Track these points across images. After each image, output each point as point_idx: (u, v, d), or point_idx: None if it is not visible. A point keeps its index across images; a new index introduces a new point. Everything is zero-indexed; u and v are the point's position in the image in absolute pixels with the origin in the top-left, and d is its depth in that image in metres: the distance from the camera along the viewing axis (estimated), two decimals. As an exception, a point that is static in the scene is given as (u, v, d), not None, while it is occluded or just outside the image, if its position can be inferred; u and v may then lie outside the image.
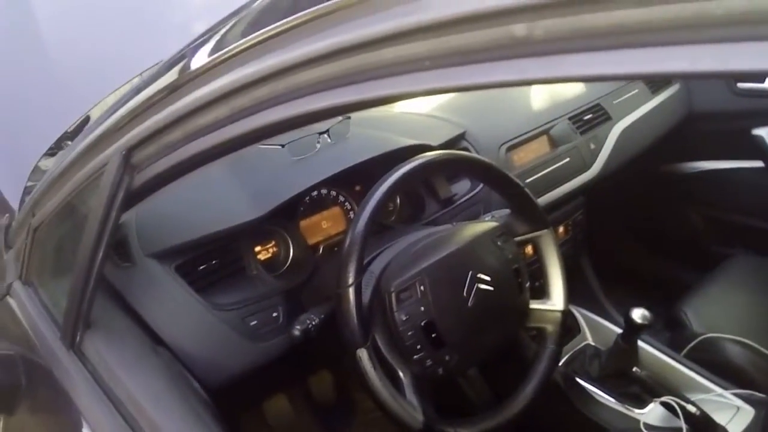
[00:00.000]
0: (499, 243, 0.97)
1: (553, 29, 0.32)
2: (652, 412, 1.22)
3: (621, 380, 1.27)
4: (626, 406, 1.25)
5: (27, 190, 1.15)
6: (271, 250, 1.09)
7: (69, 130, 1.46)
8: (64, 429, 0.78)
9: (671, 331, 1.40)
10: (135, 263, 0.91)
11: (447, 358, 0.88)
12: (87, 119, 1.36)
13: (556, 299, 1.03)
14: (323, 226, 1.18)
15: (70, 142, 1.38)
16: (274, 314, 0.99)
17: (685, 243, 1.88)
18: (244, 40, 0.52)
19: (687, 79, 1.67)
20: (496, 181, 1.01)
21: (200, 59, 0.59)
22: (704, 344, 1.30)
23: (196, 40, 0.65)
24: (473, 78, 0.38)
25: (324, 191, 1.17)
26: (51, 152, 1.40)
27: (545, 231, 1.03)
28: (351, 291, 0.81)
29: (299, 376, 1.51)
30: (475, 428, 0.89)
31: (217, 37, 0.60)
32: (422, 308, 0.87)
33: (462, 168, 1.05)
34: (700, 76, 0.29)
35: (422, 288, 0.87)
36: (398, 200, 1.26)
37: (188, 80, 0.59)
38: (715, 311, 1.39)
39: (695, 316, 1.38)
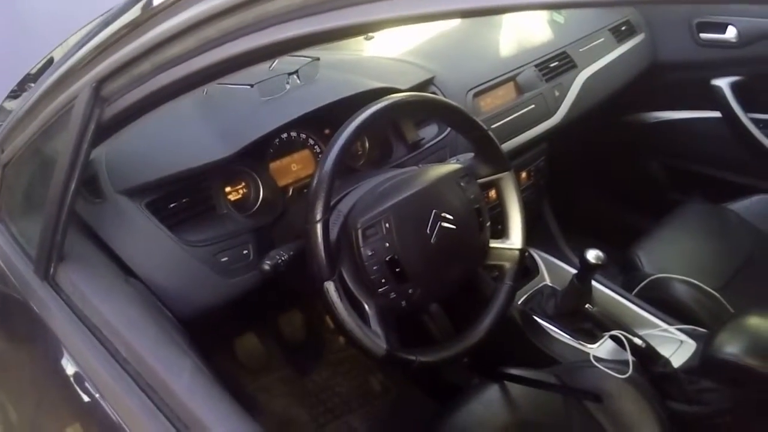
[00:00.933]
0: (462, 184, 1.01)
1: None
2: (602, 347, 1.30)
3: (574, 318, 1.35)
4: (578, 341, 1.34)
5: None
6: (241, 191, 1.11)
7: (32, 72, 1.43)
8: (38, 354, 0.81)
9: (625, 274, 1.48)
10: (106, 199, 0.92)
11: (410, 291, 0.93)
12: (51, 60, 1.34)
13: (515, 238, 1.08)
14: (293, 168, 1.20)
15: (32, 84, 1.37)
16: (245, 251, 1.02)
17: (642, 190, 1.96)
18: None
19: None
20: (461, 124, 1.04)
21: None
22: (654, 284, 1.38)
23: None
24: (440, 6, 0.40)
25: (293, 134, 1.19)
26: (14, 94, 1.38)
27: (506, 173, 1.07)
28: (319, 227, 0.84)
29: (269, 315, 1.56)
30: (436, 356, 0.95)
31: None
32: (387, 244, 0.91)
33: (427, 110, 1.07)
34: None
35: (387, 225, 0.91)
36: (366, 143, 1.29)
37: (157, 12, 0.60)
38: (665, 254, 1.47)
39: (647, 259, 1.46)
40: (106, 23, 0.70)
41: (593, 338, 1.33)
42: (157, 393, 0.63)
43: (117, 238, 0.89)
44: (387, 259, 0.91)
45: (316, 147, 1.23)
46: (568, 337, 1.34)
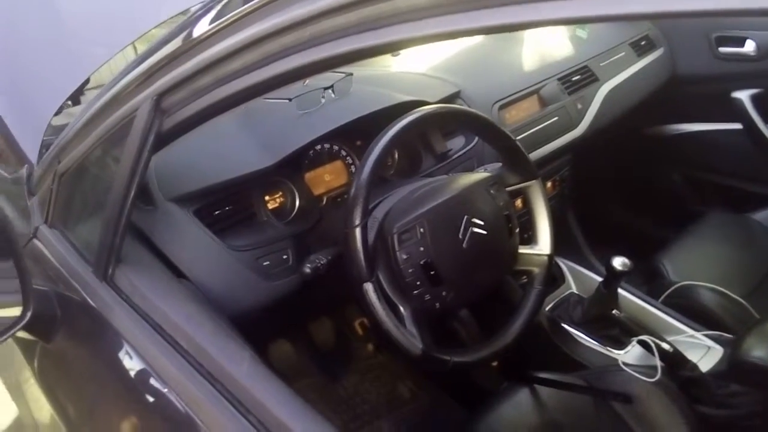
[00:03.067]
0: (491, 191, 1.05)
1: None
2: (630, 353, 1.32)
3: (601, 324, 1.37)
4: (606, 347, 1.36)
5: (44, 144, 1.21)
6: (278, 200, 1.16)
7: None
8: (101, 350, 0.86)
9: (650, 282, 1.51)
10: (157, 206, 0.98)
11: (443, 293, 0.97)
12: (86, 81, 1.41)
13: (543, 244, 1.12)
14: (326, 178, 1.25)
15: (70, 102, 1.44)
16: (284, 256, 1.07)
17: (664, 201, 1.98)
18: None
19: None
20: (489, 134, 1.08)
21: (227, 11, 0.65)
22: (679, 291, 1.41)
23: None
24: (480, 21, 0.45)
25: (327, 145, 1.24)
26: (60, 112, 1.46)
27: (534, 181, 1.11)
28: (358, 231, 0.89)
29: (302, 323, 1.60)
30: (468, 357, 0.98)
31: None
32: (422, 248, 0.95)
33: (457, 121, 1.12)
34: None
35: (422, 230, 0.95)
36: (396, 155, 1.33)
37: (218, 29, 0.65)
38: (690, 262, 1.50)
39: (672, 267, 1.48)
40: (166, 40, 0.76)
41: (620, 344, 1.35)
42: (220, 381, 0.67)
43: (168, 243, 0.95)
44: (422, 262, 0.95)
45: (348, 158, 1.28)
46: (595, 343, 1.36)
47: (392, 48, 0.56)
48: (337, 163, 1.27)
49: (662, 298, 1.43)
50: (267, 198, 1.13)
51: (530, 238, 1.13)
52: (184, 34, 0.73)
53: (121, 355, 0.79)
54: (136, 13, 1.38)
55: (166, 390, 0.72)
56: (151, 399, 0.76)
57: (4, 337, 0.78)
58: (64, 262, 0.95)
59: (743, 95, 1.75)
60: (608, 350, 1.35)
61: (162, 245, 0.94)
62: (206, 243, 0.98)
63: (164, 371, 0.73)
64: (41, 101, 1.23)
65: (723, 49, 1.76)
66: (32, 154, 1.20)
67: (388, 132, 0.95)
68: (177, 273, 0.94)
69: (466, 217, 0.99)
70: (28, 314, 0.79)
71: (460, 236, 0.98)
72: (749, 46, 1.71)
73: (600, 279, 1.34)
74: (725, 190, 1.85)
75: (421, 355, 0.92)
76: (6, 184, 1.23)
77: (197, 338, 0.72)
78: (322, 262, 0.99)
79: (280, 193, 1.16)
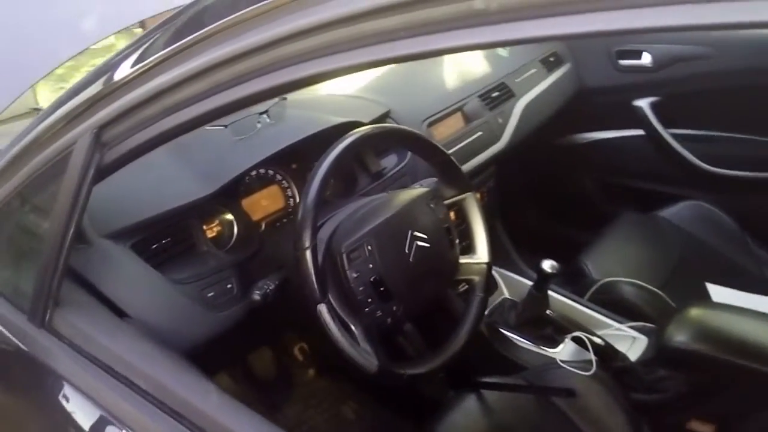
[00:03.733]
0: (431, 205, 1.09)
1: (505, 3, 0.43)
2: (564, 350, 1.40)
3: (535, 325, 1.44)
4: (541, 347, 1.43)
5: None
6: (216, 229, 1.14)
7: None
8: (44, 402, 0.80)
9: (575, 281, 1.60)
10: (91, 244, 0.94)
11: (394, 308, 0.99)
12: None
13: (481, 253, 1.17)
14: (263, 203, 1.24)
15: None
16: (228, 285, 1.05)
17: (580, 205, 2.11)
18: (224, 20, 0.59)
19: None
20: (425, 151, 1.12)
21: (175, 40, 0.65)
22: (603, 288, 1.50)
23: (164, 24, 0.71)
24: (439, 44, 0.48)
25: (262, 170, 1.24)
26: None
27: (469, 193, 1.16)
28: (308, 253, 0.90)
29: (241, 354, 1.57)
30: (421, 368, 1.00)
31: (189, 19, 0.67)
32: (371, 265, 0.97)
33: (394, 139, 1.15)
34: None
35: (369, 248, 0.97)
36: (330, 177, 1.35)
37: (166, 58, 0.65)
38: (609, 260, 1.60)
39: (593, 266, 1.58)
40: (103, 71, 0.74)
41: (554, 343, 1.42)
42: (188, 418, 0.65)
43: (107, 281, 0.91)
44: (372, 279, 0.97)
45: (284, 182, 1.28)
46: (532, 344, 1.43)
47: (341, 74, 0.58)
48: (273, 188, 1.27)
49: (588, 295, 1.53)
50: (205, 227, 1.11)
51: (468, 248, 1.17)
52: (127, 61, 0.72)
53: (72, 403, 0.75)
54: (38, 50, 1.34)
55: None
56: None
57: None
58: None
59: (643, 103, 1.90)
60: (544, 350, 1.42)
61: (100, 284, 0.90)
62: (147, 278, 0.95)
63: (124, 415, 0.70)
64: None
65: (623, 62, 1.91)
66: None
67: (331, 153, 0.97)
68: (118, 312, 0.90)
69: (410, 231, 1.02)
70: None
71: (407, 251, 1.01)
72: (646, 59, 1.86)
73: (530, 283, 1.42)
74: (634, 191, 1.99)
75: (378, 372, 0.93)
76: None
77: (156, 376, 0.70)
78: (270, 288, 0.99)
79: (217, 222, 1.15)
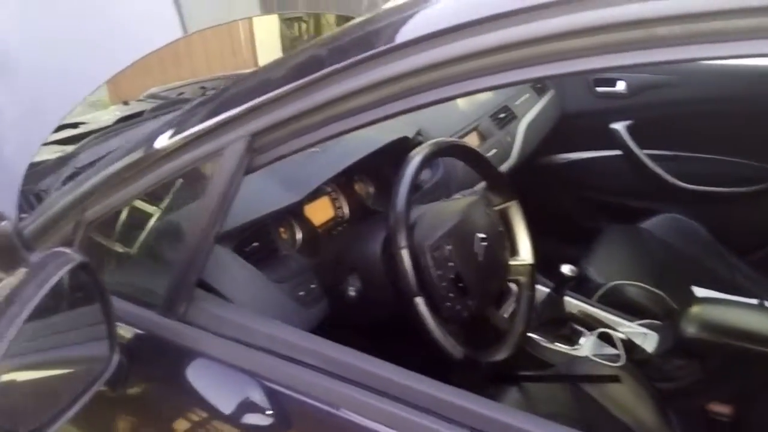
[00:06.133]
0: (487, 211, 1.20)
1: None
2: (585, 347, 1.52)
3: (555, 325, 1.57)
4: (563, 345, 1.55)
5: (25, 193, 1.14)
6: (285, 234, 1.21)
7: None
8: (182, 383, 0.83)
9: (579, 287, 1.74)
10: None
11: (469, 303, 1.08)
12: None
13: (526, 255, 1.28)
14: (318, 212, 1.31)
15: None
16: (312, 285, 1.12)
17: (561, 220, 2.28)
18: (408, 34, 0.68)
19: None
20: (480, 163, 1.24)
21: (341, 54, 0.73)
22: (610, 290, 1.65)
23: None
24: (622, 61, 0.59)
25: None
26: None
27: (514, 202, 1.29)
28: (405, 251, 0.98)
29: None
30: (497, 356, 1.10)
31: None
32: (450, 264, 1.06)
33: (459, 152, 1.25)
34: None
35: (449, 248, 1.07)
36: (371, 188, 1.44)
37: (335, 72, 0.72)
38: (609, 266, 1.76)
39: (596, 271, 1.74)
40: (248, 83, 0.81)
41: (571, 342, 1.55)
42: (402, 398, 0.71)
43: (220, 280, 0.94)
44: (451, 276, 1.06)
45: (333, 193, 1.35)
46: (555, 343, 1.55)
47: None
48: (324, 198, 1.34)
49: (595, 297, 1.67)
50: (281, 231, 1.17)
51: (514, 250, 1.29)
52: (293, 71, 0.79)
53: (215, 385, 0.80)
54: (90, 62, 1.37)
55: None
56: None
57: (96, 386, 0.74)
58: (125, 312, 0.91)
59: (619, 126, 2.10)
60: (564, 347, 1.55)
61: (215, 283, 0.94)
62: (254, 278, 1.00)
63: (314, 389, 0.75)
64: (11, 155, 1.17)
65: (600, 89, 2.12)
66: (7, 209, 1.12)
67: (412, 162, 1.07)
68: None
69: (476, 234, 1.13)
70: (115, 360, 0.76)
71: (475, 251, 1.11)
72: (620, 86, 2.08)
73: (544, 289, 1.54)
74: (612, 206, 2.18)
75: (463, 359, 1.02)
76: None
77: (314, 347, 0.76)
78: (358, 286, 1.06)
79: (287, 227, 1.21)
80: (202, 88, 1.91)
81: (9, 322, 0.64)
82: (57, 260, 0.71)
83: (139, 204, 0.90)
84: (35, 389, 0.72)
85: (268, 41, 5.31)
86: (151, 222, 0.90)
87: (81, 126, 1.56)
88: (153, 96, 1.95)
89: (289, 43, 5.68)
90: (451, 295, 1.05)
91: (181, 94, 1.89)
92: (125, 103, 1.90)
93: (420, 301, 0.98)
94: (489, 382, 1.44)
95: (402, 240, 0.99)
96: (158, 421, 0.87)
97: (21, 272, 0.71)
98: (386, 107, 0.72)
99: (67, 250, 0.75)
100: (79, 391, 0.73)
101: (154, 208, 0.89)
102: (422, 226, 1.11)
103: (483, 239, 1.13)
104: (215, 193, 0.80)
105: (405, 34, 0.71)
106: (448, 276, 1.05)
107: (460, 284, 1.07)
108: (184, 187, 0.86)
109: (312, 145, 0.79)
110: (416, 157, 1.07)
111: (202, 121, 0.82)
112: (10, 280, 0.71)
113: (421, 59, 0.68)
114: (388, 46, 0.70)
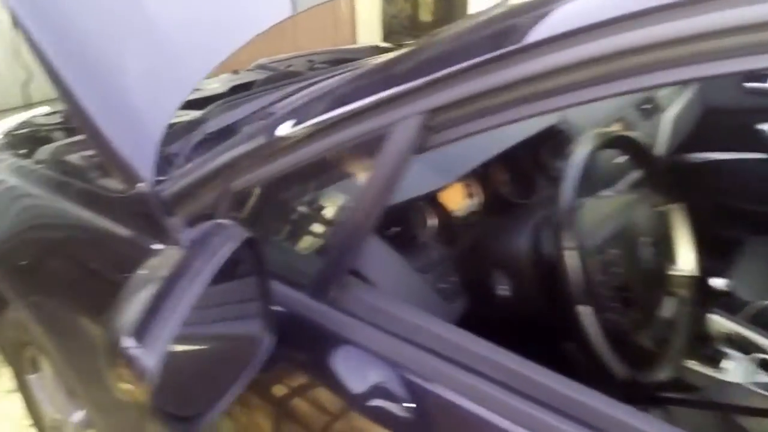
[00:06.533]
0: (652, 213, 1.07)
1: None
2: (732, 371, 1.36)
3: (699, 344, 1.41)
4: (706, 368, 1.40)
5: (165, 154, 1.12)
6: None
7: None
8: (327, 364, 0.78)
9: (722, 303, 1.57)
10: None
11: (633, 315, 0.97)
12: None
13: (689, 265, 1.14)
14: (451, 199, 1.22)
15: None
16: (452, 278, 1.03)
17: (695, 227, 2.08)
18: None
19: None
20: (643, 157, 1.11)
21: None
22: (763, 309, 1.47)
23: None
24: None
25: None
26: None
27: (678, 204, 1.14)
28: (576, 254, 0.88)
29: None
30: (659, 376, 0.98)
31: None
32: (616, 270, 0.94)
33: (623, 144, 1.13)
34: None
35: (614, 251, 0.95)
36: (506, 176, 1.33)
37: (538, 45, 0.62)
38: (756, 282, 1.58)
39: (742, 287, 1.56)
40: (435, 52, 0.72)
41: (714, 363, 1.40)
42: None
43: (366, 266, 0.88)
44: (618, 284, 0.94)
45: (466, 179, 1.26)
46: (696, 363, 1.39)
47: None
48: (457, 185, 1.25)
49: (741, 316, 1.50)
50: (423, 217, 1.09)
51: (672, 260, 1.15)
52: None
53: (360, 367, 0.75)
54: (234, 21, 1.34)
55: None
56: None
57: (254, 369, 0.69)
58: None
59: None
60: (707, 370, 1.39)
61: (361, 268, 0.87)
62: (400, 268, 0.93)
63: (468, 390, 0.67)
64: (147, 114, 1.14)
65: (748, 85, 1.90)
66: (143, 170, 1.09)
67: (578, 156, 0.95)
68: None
69: (642, 238, 1.00)
70: (272, 342, 0.71)
71: (640, 256, 0.99)
72: (772, 82, 1.85)
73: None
74: (758, 216, 1.97)
75: (627, 379, 0.90)
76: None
77: (476, 348, 0.68)
78: (508, 284, 0.96)
79: (423, 214, 1.13)
80: (310, 61, 1.86)
81: (177, 301, 0.59)
82: (223, 234, 0.66)
83: (289, 180, 0.84)
84: (191, 371, 0.67)
85: (368, 18, 5.28)
86: (304, 199, 0.84)
87: (193, 92, 1.54)
88: (262, 66, 1.93)
89: (388, 20, 5.61)
90: (614, 305, 0.94)
91: (290, 66, 1.86)
92: (235, 72, 1.89)
93: (585, 310, 0.87)
94: (633, 401, 1.32)
95: (570, 241, 0.88)
96: (296, 403, 0.82)
97: (183, 243, 0.66)
98: (582, 92, 0.61)
99: (230, 223, 0.69)
100: (235, 374, 0.68)
101: (306, 185, 0.83)
102: (582, 226, 1.00)
103: (648, 243, 1.01)
104: (380, 173, 0.73)
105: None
106: (612, 283, 0.94)
107: (625, 294, 0.95)
108: (341, 165, 0.79)
109: (492, 128, 0.69)
110: (583, 149, 0.96)
111: (364, 95, 0.74)
112: (171, 252, 0.66)
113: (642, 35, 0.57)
114: (606, 17, 0.59)
